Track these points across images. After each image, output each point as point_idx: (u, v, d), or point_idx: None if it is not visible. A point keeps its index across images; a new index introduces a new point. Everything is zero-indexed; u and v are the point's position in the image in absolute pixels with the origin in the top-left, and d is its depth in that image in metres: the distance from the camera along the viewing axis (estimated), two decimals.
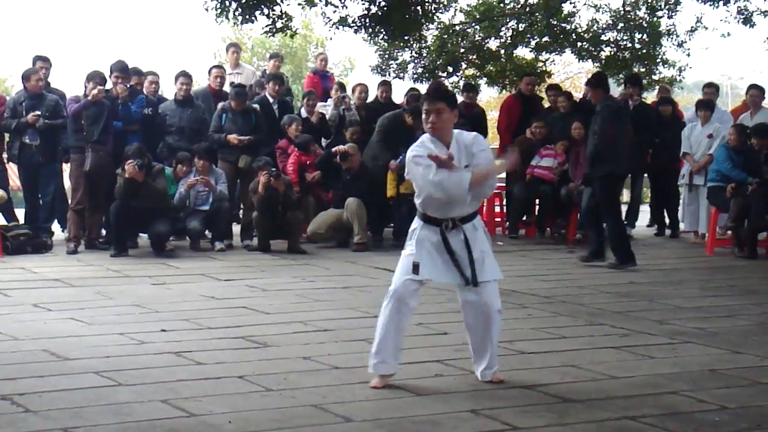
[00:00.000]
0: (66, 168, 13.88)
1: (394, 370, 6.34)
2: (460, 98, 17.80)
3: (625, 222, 15.48)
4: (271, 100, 14.83)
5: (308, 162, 13.84)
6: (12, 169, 14.66)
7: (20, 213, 13.75)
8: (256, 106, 14.24)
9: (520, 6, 21.33)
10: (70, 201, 13.33)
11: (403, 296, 6.27)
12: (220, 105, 13.97)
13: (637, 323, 8.55)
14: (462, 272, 6.28)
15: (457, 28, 21.41)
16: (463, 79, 21.59)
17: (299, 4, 17.49)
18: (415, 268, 6.26)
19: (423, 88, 19.89)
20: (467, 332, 6.53)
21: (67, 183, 13.96)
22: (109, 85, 13.11)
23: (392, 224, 14.28)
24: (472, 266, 6.27)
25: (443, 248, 6.30)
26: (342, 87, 15.92)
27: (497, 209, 16.06)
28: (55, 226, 13.88)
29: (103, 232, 13.22)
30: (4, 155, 13.81)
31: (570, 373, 6.75)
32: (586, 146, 14.36)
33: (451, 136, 6.31)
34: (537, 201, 15.10)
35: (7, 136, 13.61)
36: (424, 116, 6.31)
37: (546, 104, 16.56)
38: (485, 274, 6.31)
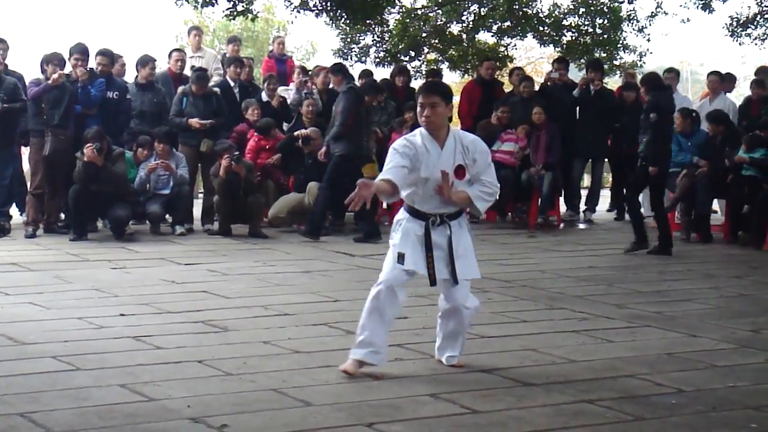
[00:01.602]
0: (25, 151, 13.77)
1: (380, 362, 6.20)
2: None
3: (586, 207, 15.59)
4: (232, 83, 14.77)
5: (267, 146, 13.80)
6: None
7: None
8: (217, 89, 14.18)
9: None
10: (29, 185, 13.23)
11: (392, 285, 6.16)
12: (180, 89, 13.90)
13: (596, 307, 8.60)
14: (436, 270, 6.23)
15: (419, 12, 21.44)
16: (424, 63, 21.62)
17: None
18: (401, 257, 6.21)
19: (383, 71, 19.92)
20: (439, 321, 6.52)
21: (26, 166, 13.84)
22: (68, 68, 12.99)
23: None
24: (453, 264, 6.24)
25: (425, 244, 6.26)
26: (304, 71, 15.85)
27: None
28: (14, 210, 13.77)
29: (62, 216, 13.13)
30: None
31: (529, 357, 6.79)
32: (547, 131, 14.46)
33: (447, 132, 6.29)
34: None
35: None
36: (419, 110, 6.29)
37: (508, 88, 16.57)
38: (464, 273, 6.31)
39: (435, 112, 6.21)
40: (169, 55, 15.06)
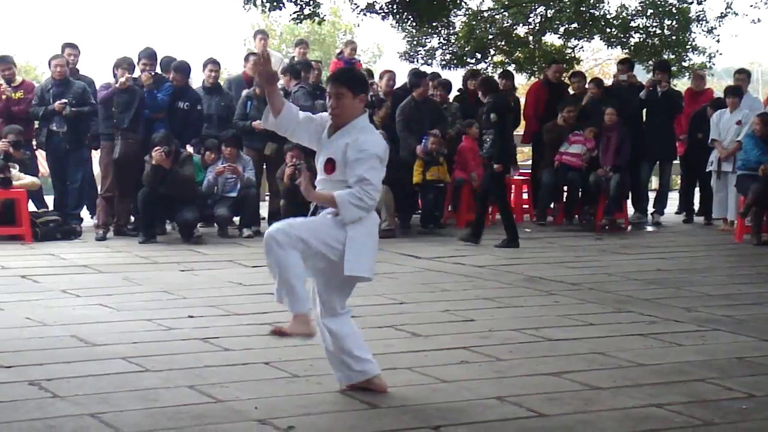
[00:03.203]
0: (96, 155, 13.96)
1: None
2: None
3: (654, 209, 15.44)
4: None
5: None
6: (41, 156, 14.76)
7: (50, 200, 13.84)
8: (282, 92, 14.21)
9: None
10: (99, 188, 13.40)
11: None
12: (244, 92, 13.96)
13: (664, 310, 8.51)
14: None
15: (486, 14, 21.35)
16: (491, 65, 21.54)
17: None
18: None
19: (451, 74, 19.89)
20: None
21: (96, 170, 14.02)
22: (137, 73, 13.15)
23: (419, 211, 14.32)
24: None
25: None
26: (370, 74, 15.89)
27: (525, 196, 16.03)
28: (84, 213, 13.95)
29: (132, 218, 13.27)
30: (34, 142, 13.91)
31: (597, 360, 6.74)
32: (618, 132, 14.36)
33: (348, 122, 5.69)
34: (565, 188, 15.07)
35: (36, 123, 13.71)
36: (327, 99, 5.79)
37: (571, 91, 16.45)
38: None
39: (341, 104, 5.66)
40: (245, 59, 15.14)
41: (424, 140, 13.69)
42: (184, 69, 13.61)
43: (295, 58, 16.45)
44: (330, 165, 5.69)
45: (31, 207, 13.10)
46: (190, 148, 13.14)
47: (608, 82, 18.11)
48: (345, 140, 5.64)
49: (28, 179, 12.76)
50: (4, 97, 13.48)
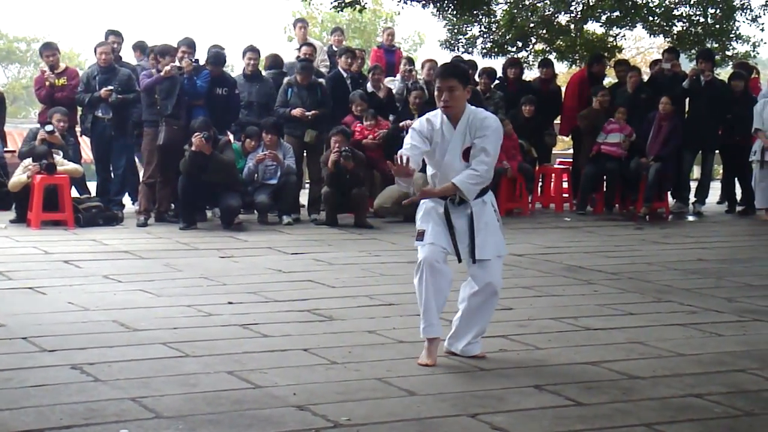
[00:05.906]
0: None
1: (441, 333, 6.28)
2: (536, 74, 17.66)
3: (695, 199, 15.34)
4: (344, 74, 14.80)
5: (373, 137, 13.86)
6: (84, 143, 14.87)
7: (92, 186, 13.95)
8: (322, 80, 14.26)
9: None
10: (141, 174, 13.49)
11: (430, 260, 6.12)
12: (285, 79, 14.00)
13: (705, 300, 8.47)
14: (460, 249, 6.22)
15: (527, 2, 21.28)
16: (532, 54, 21.48)
17: None
18: (420, 235, 6.21)
19: (492, 62, 19.85)
20: (462, 307, 6.40)
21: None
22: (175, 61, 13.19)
23: None
24: (473, 243, 6.19)
25: (446, 222, 6.24)
26: (410, 61, 15.87)
27: (564, 185, 15.97)
28: (126, 200, 14.05)
29: (173, 205, 13.34)
30: (78, 129, 14.01)
31: (636, 349, 6.72)
32: (670, 122, 14.29)
33: (462, 112, 6.19)
34: (605, 177, 15.02)
35: (79, 109, 13.82)
36: (436, 93, 6.24)
37: (615, 79, 16.37)
38: (486, 252, 6.21)
39: (453, 97, 6.12)
40: (299, 49, 15.20)
41: None
42: (218, 61, 13.56)
43: (334, 47, 16.47)
44: (468, 154, 6.16)
45: (74, 193, 13.21)
46: (230, 135, 13.18)
47: (646, 70, 18.00)
48: (471, 127, 6.15)
49: (71, 166, 12.86)
50: (47, 83, 13.62)
